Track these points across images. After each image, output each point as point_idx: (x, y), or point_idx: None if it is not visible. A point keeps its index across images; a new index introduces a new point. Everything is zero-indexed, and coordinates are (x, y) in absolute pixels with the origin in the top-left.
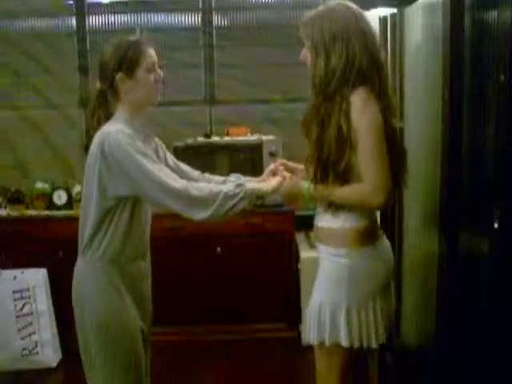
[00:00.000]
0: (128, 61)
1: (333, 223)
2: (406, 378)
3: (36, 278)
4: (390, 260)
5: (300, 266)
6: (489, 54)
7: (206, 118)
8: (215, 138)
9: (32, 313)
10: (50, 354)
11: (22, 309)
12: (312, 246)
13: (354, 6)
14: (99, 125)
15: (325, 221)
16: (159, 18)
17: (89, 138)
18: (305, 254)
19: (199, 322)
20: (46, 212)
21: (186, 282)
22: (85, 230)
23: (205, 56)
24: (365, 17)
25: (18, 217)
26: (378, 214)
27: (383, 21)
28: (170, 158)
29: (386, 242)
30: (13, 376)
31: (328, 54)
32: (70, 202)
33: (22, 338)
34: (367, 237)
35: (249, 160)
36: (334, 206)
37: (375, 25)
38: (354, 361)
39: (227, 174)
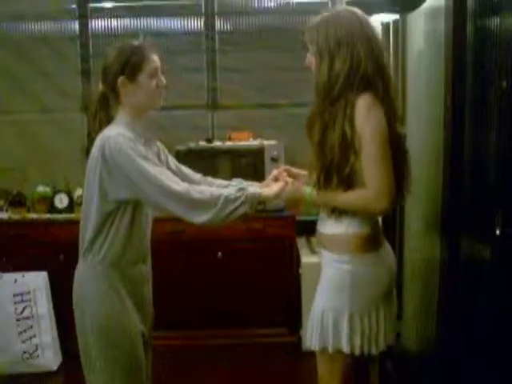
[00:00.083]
0: (131, 65)
1: (336, 229)
2: (407, 383)
3: (37, 282)
4: (392, 266)
5: (301, 271)
6: (491, 60)
7: (208, 122)
8: (217, 143)
9: (32, 316)
10: (50, 358)
11: (22, 312)
12: (313, 251)
13: (359, 11)
14: (101, 128)
15: (328, 226)
16: (162, 23)
17: (90, 140)
18: (306, 259)
19: (200, 327)
20: (47, 215)
21: (187, 286)
22: (86, 234)
23: (207, 60)
24: (370, 22)
25: (19, 220)
26: (380, 218)
27: (386, 27)
28: (172, 162)
29: (388, 249)
30: (13, 379)
31: (332, 59)
32: (71, 206)
33: (23, 342)
34: (370, 243)
35: (250, 165)
36: (337, 212)
37: (378, 31)
38: (356, 367)
39: (229, 178)
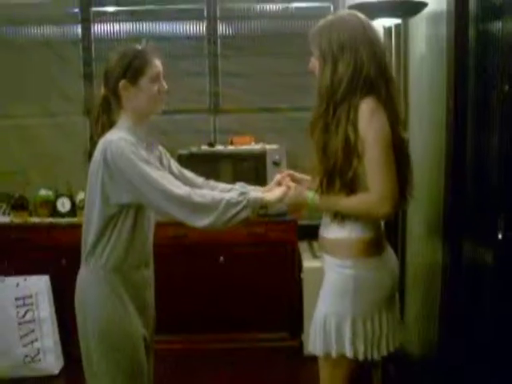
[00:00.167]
0: (133, 69)
1: (339, 234)
2: None
3: (39, 285)
4: (395, 270)
5: (303, 275)
6: (493, 63)
7: (210, 126)
8: (219, 147)
9: (34, 320)
10: (52, 361)
11: (24, 316)
12: (315, 256)
13: (362, 15)
14: (103, 131)
15: (330, 231)
16: (164, 27)
17: (93, 144)
18: (308, 263)
19: (202, 331)
20: (50, 219)
21: (189, 290)
22: (88, 237)
23: (209, 65)
24: (373, 26)
25: (21, 224)
26: (382, 222)
27: (387, 31)
28: (174, 166)
29: (391, 253)
30: (15, 383)
31: (335, 63)
32: (74, 210)
33: (24, 345)
34: (373, 248)
35: (252, 169)
36: (340, 216)
37: (380, 35)
38: (358, 372)
39: (231, 182)
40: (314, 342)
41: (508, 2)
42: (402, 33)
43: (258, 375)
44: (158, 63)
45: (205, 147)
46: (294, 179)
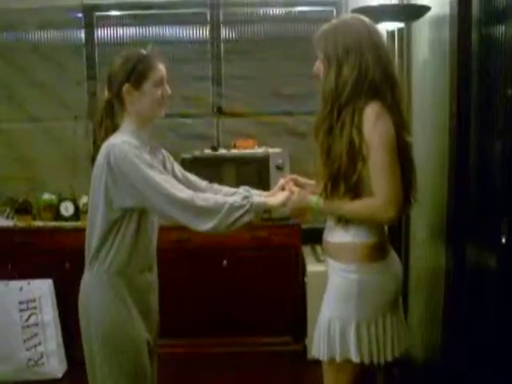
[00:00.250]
0: (137, 73)
1: (343, 238)
2: None
3: (42, 289)
4: (398, 274)
5: (306, 279)
6: (496, 67)
7: (213, 130)
8: (222, 151)
9: (38, 324)
10: (55, 365)
11: (27, 320)
12: (318, 260)
13: (367, 19)
14: (106, 135)
15: (335, 235)
16: (167, 31)
17: (96, 148)
18: (311, 267)
19: (205, 335)
20: (53, 223)
21: (192, 294)
22: (92, 241)
23: (212, 68)
24: (378, 30)
25: (24, 228)
26: (386, 227)
27: (390, 35)
28: (178, 169)
29: (395, 257)
30: None
31: (340, 66)
32: (77, 214)
33: (28, 349)
34: (377, 252)
35: (256, 173)
36: (344, 221)
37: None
38: (362, 376)
39: (234, 186)
40: (318, 346)
41: (511, 5)
42: (404, 37)
43: (262, 379)
44: (161, 68)
45: (208, 151)
46: (297, 184)
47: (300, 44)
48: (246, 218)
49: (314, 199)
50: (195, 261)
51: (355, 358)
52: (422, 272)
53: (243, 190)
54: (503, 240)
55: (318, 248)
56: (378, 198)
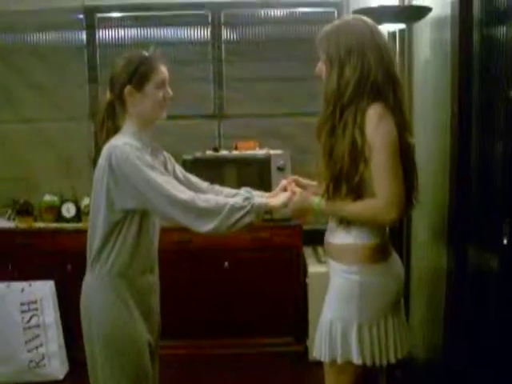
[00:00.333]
0: (138, 75)
1: (345, 239)
2: None
3: (44, 291)
4: (400, 275)
5: (308, 280)
6: (497, 68)
7: (214, 131)
8: (223, 152)
9: (39, 325)
10: (56, 367)
11: (29, 321)
12: (320, 261)
13: (369, 20)
14: (108, 137)
15: (337, 237)
16: (169, 32)
17: (98, 150)
18: (313, 268)
19: (207, 336)
20: (55, 224)
21: (194, 295)
22: (93, 243)
23: (214, 70)
24: (380, 32)
25: (26, 229)
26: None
27: (392, 36)
28: (179, 171)
29: (396, 258)
30: None
31: (342, 67)
32: (79, 215)
33: (29, 351)
34: (379, 253)
35: (257, 174)
36: (346, 222)
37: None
38: (364, 378)
39: (235, 187)
40: (320, 347)
41: None
42: (406, 38)
43: (263, 380)
44: (163, 69)
45: (209, 152)
46: (299, 185)
47: (301, 45)
48: (247, 219)
49: (316, 200)
50: (196, 262)
51: (357, 360)
52: (424, 273)
53: (244, 191)
54: (505, 241)
55: (320, 249)
56: (380, 199)
